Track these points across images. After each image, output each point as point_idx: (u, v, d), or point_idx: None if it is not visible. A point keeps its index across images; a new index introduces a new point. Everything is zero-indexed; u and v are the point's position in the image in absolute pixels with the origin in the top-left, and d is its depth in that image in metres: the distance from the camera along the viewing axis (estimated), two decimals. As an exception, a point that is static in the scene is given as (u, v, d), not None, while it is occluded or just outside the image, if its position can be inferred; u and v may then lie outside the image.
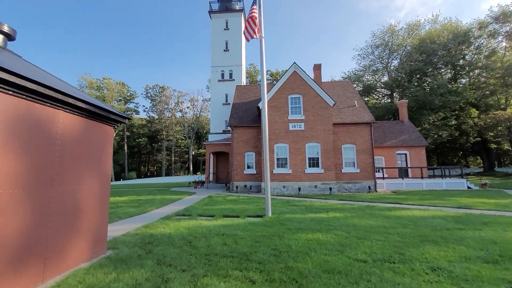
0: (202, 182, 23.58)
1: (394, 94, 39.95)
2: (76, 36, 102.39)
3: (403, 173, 21.13)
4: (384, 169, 20.85)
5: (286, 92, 17.90)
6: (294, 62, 18.07)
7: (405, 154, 22.56)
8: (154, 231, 6.27)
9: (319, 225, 6.81)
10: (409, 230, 6.08)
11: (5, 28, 3.80)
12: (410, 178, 20.41)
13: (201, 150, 64.04)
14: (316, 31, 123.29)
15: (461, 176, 20.22)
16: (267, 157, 8.75)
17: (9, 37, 3.92)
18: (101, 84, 56.58)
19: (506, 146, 36.31)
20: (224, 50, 29.95)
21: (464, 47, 34.51)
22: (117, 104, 58.11)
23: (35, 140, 3.23)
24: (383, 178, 19.50)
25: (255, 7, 9.20)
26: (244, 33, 9.28)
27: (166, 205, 11.22)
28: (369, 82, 42.47)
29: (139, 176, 61.18)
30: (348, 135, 18.12)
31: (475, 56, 34.99)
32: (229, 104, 27.69)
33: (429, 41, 35.43)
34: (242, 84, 29.18)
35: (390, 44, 39.93)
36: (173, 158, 65.50)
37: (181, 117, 66.34)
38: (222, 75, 29.64)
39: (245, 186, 18.27)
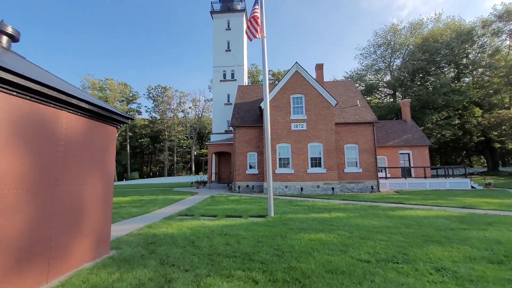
0: (204, 182, 23.62)
1: (397, 93, 39.76)
2: (78, 37, 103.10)
3: (406, 172, 21.01)
4: (387, 169, 20.77)
5: (288, 92, 17.88)
6: (296, 62, 18.04)
7: (408, 154, 22.44)
8: (157, 231, 6.29)
9: (321, 225, 6.79)
10: (413, 230, 6.04)
11: (9, 30, 3.83)
12: (413, 178, 20.29)
13: (203, 150, 64.15)
14: (318, 31, 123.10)
15: (464, 175, 20.07)
16: (269, 157, 8.75)
17: (13, 38, 3.95)
18: (104, 85, 56.92)
19: (510, 146, 35.96)
20: (226, 50, 29.98)
21: (467, 45, 34.26)
22: (120, 104, 58.41)
23: (39, 140, 3.25)
24: (386, 178, 19.41)
25: (257, 6, 9.19)
26: (246, 33, 9.29)
27: (168, 205, 11.25)
28: (371, 82, 42.30)
29: (141, 177, 61.43)
30: (350, 135, 18.06)
31: (479, 55, 34.72)
32: (231, 104, 27.72)
33: (432, 40, 35.22)
34: (244, 84, 29.20)
35: (392, 43, 39.74)
36: (175, 158, 65.70)
37: (183, 117, 66.54)
38: (224, 75, 29.67)
39: (247, 186, 18.27)
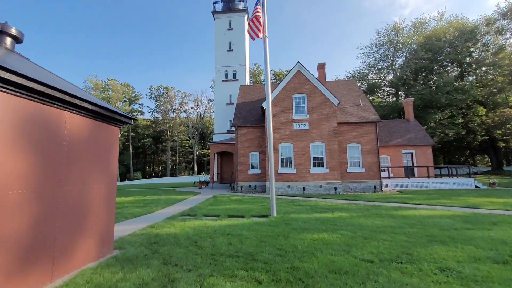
0: (207, 182, 23.66)
1: (400, 92, 39.56)
2: (80, 38, 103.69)
3: (409, 172, 20.90)
4: (390, 169, 20.65)
5: (290, 91, 17.85)
6: (298, 62, 18.01)
7: (411, 153, 22.32)
8: (160, 231, 6.30)
9: (324, 225, 6.77)
10: (416, 230, 6.01)
11: (13, 31, 3.85)
12: (416, 177, 20.18)
13: (205, 150, 64.26)
14: (320, 30, 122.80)
15: (468, 175, 19.91)
16: (272, 157, 8.74)
17: (17, 39, 3.98)
18: (106, 86, 57.23)
19: (515, 145, 35.67)
20: (228, 50, 30.00)
21: (470, 44, 33.99)
22: (122, 105, 58.70)
23: (43, 141, 3.27)
24: (389, 177, 19.31)
25: (259, 6, 9.18)
26: (248, 32, 9.28)
27: (171, 205, 11.28)
28: (374, 81, 42.12)
29: (144, 177, 61.67)
30: (353, 134, 17.99)
31: (482, 53, 34.44)
32: (233, 104, 27.74)
33: (435, 38, 34.99)
34: (246, 84, 29.23)
35: (395, 42, 39.55)
36: (177, 159, 65.86)
37: (185, 117, 66.73)
38: (226, 75, 29.70)
39: (250, 186, 18.27)
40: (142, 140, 63.79)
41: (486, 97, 33.36)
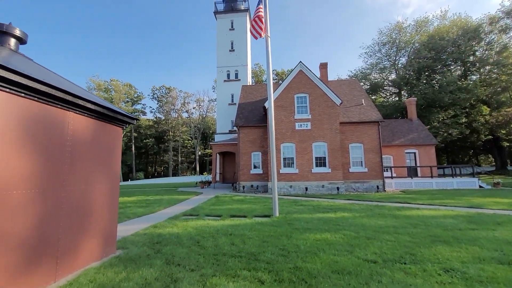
0: (209, 182, 23.69)
1: (402, 92, 39.35)
2: (83, 39, 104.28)
3: (412, 172, 20.77)
4: (393, 168, 20.56)
5: (292, 91, 17.82)
6: (300, 61, 17.97)
7: (414, 153, 22.20)
8: (162, 231, 6.32)
9: (327, 225, 6.75)
10: (420, 230, 5.97)
11: (17, 32, 3.88)
12: (419, 177, 20.06)
13: (207, 150, 64.41)
14: (322, 30, 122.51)
15: (472, 175, 19.77)
16: (274, 157, 8.72)
17: (20, 40, 4.00)
18: (109, 86, 57.48)
19: (519, 144, 35.35)
20: (230, 50, 30.02)
21: (474, 43, 33.72)
22: (125, 105, 58.95)
23: (47, 141, 3.29)
24: (392, 177, 19.22)
25: (261, 6, 9.19)
26: (251, 32, 9.28)
27: (173, 205, 11.31)
28: (376, 80, 41.93)
29: (146, 177, 61.92)
30: (355, 134, 17.93)
31: (486, 52, 34.14)
32: (235, 104, 27.75)
33: (438, 37, 34.76)
34: (248, 84, 29.21)
35: (397, 41, 39.33)
36: (179, 159, 66.06)
37: (188, 117, 66.88)
38: (228, 75, 29.72)
39: (252, 186, 18.27)
40: (144, 140, 64.05)
41: (490, 96, 33.09)
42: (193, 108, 66.94)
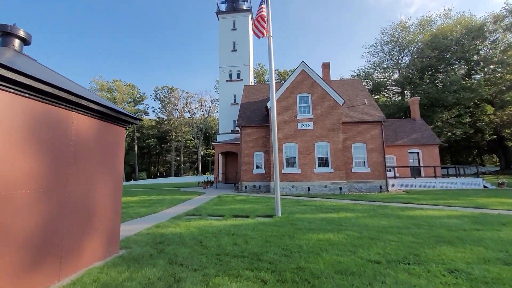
0: (211, 182, 23.73)
1: (405, 91, 39.11)
2: (85, 39, 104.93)
3: (415, 172, 20.64)
4: (396, 168, 20.44)
5: (294, 91, 17.79)
6: (303, 61, 17.93)
7: (418, 153, 22.05)
8: (165, 230, 6.34)
9: (330, 225, 6.72)
10: (424, 231, 5.92)
11: (21, 33, 3.90)
12: (423, 177, 19.91)
13: (209, 151, 64.52)
14: (324, 29, 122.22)
15: (476, 175, 19.59)
16: (276, 157, 8.71)
17: (25, 41, 4.03)
18: (112, 87, 57.79)
19: (524, 144, 34.94)
20: (232, 51, 30.04)
21: (478, 42, 33.41)
22: (127, 105, 59.25)
23: (51, 141, 3.31)
24: (395, 177, 19.10)
25: (263, 6, 9.17)
26: (253, 31, 9.28)
27: (176, 205, 11.33)
28: (379, 80, 41.70)
29: (149, 177, 62.17)
30: (358, 134, 17.85)
31: (490, 51, 33.81)
32: (237, 104, 27.77)
33: (442, 36, 34.49)
34: (250, 84, 29.21)
35: (400, 40, 39.09)
36: (182, 159, 66.25)
37: (190, 117, 67.05)
38: (230, 75, 29.74)
39: (254, 186, 18.26)
40: (147, 141, 64.32)
41: (495, 95, 32.77)
42: (196, 108, 67.17)
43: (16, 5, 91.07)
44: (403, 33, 39.07)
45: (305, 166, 17.01)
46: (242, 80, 29.26)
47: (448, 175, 21.55)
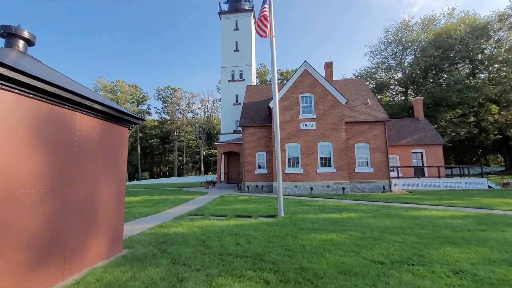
0: (214, 182, 23.75)
1: (409, 91, 38.86)
2: (87, 40, 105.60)
3: (419, 172, 20.49)
4: (399, 168, 20.32)
5: (297, 91, 17.75)
6: (305, 61, 17.89)
7: (421, 153, 21.91)
8: (168, 230, 6.35)
9: (333, 225, 6.69)
10: (428, 231, 5.88)
11: (26, 34, 3.93)
12: (426, 177, 19.78)
13: (212, 151, 64.62)
14: (327, 29, 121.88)
15: (481, 175, 19.41)
16: (279, 157, 8.69)
17: (29, 42, 4.06)
18: (115, 87, 58.19)
19: (530, 144, 34.52)
20: (234, 51, 30.05)
21: (483, 40, 33.07)
22: (130, 106, 59.59)
23: (55, 141, 3.33)
24: (398, 177, 19.00)
25: (266, 5, 9.16)
26: (256, 30, 9.28)
27: (178, 205, 11.36)
28: (382, 79, 41.46)
29: (152, 177, 62.43)
30: (361, 134, 17.77)
31: (495, 50, 33.46)
32: (239, 104, 27.77)
33: (445, 35, 34.21)
34: (252, 84, 29.22)
35: (403, 40, 38.83)
36: (184, 159, 66.41)
37: (192, 118, 67.27)
38: (232, 75, 29.76)
39: (257, 186, 18.25)
40: (149, 141, 64.61)
41: (499, 95, 32.42)
42: (198, 108, 67.40)
43: (16, 5, 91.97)
44: (406, 32, 38.82)
45: (307, 166, 16.97)
46: (244, 80, 29.27)
47: (452, 175, 21.37)
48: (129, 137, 54.43)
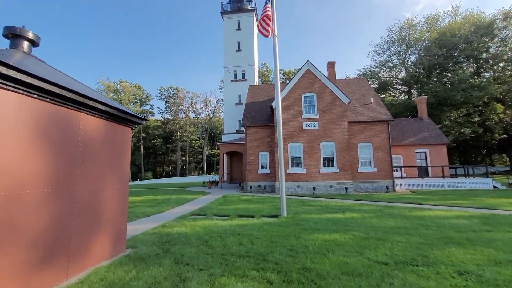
0: (216, 182, 23.79)
1: (412, 90, 38.57)
2: (91, 41, 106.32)
3: (422, 172, 20.34)
4: (403, 168, 20.19)
5: (299, 90, 17.71)
6: (308, 60, 17.83)
7: (425, 153, 21.73)
8: (171, 230, 6.37)
9: (336, 225, 6.66)
10: (432, 232, 5.82)
11: (30, 35, 3.96)
12: (430, 177, 19.62)
13: (214, 150, 64.76)
14: (330, 29, 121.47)
15: (486, 175, 19.22)
16: (282, 157, 8.68)
17: (33, 43, 4.09)
18: (118, 87, 58.50)
19: (535, 143, 34.07)
20: (237, 51, 30.06)
21: (487, 39, 32.71)
22: (133, 106, 59.87)
23: (59, 141, 3.35)
24: (402, 177, 18.87)
25: (268, 5, 9.16)
26: (259, 30, 9.27)
27: (181, 205, 11.39)
28: (385, 79, 41.18)
29: (155, 177, 62.73)
30: (364, 134, 17.68)
31: (500, 49, 33.06)
32: (242, 104, 27.78)
33: (449, 34, 33.89)
34: (255, 84, 29.19)
35: (407, 39, 38.54)
36: (187, 159, 66.63)
37: (195, 118, 67.44)
38: (235, 75, 29.77)
39: (259, 186, 18.25)
40: (152, 141, 64.89)
41: (504, 94, 32.02)
42: (201, 108, 67.53)
43: (17, 6, 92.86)
44: (409, 31, 38.52)
45: (310, 166, 16.92)
46: (247, 80, 29.27)
47: (456, 175, 21.19)
48: (132, 137, 54.75)
